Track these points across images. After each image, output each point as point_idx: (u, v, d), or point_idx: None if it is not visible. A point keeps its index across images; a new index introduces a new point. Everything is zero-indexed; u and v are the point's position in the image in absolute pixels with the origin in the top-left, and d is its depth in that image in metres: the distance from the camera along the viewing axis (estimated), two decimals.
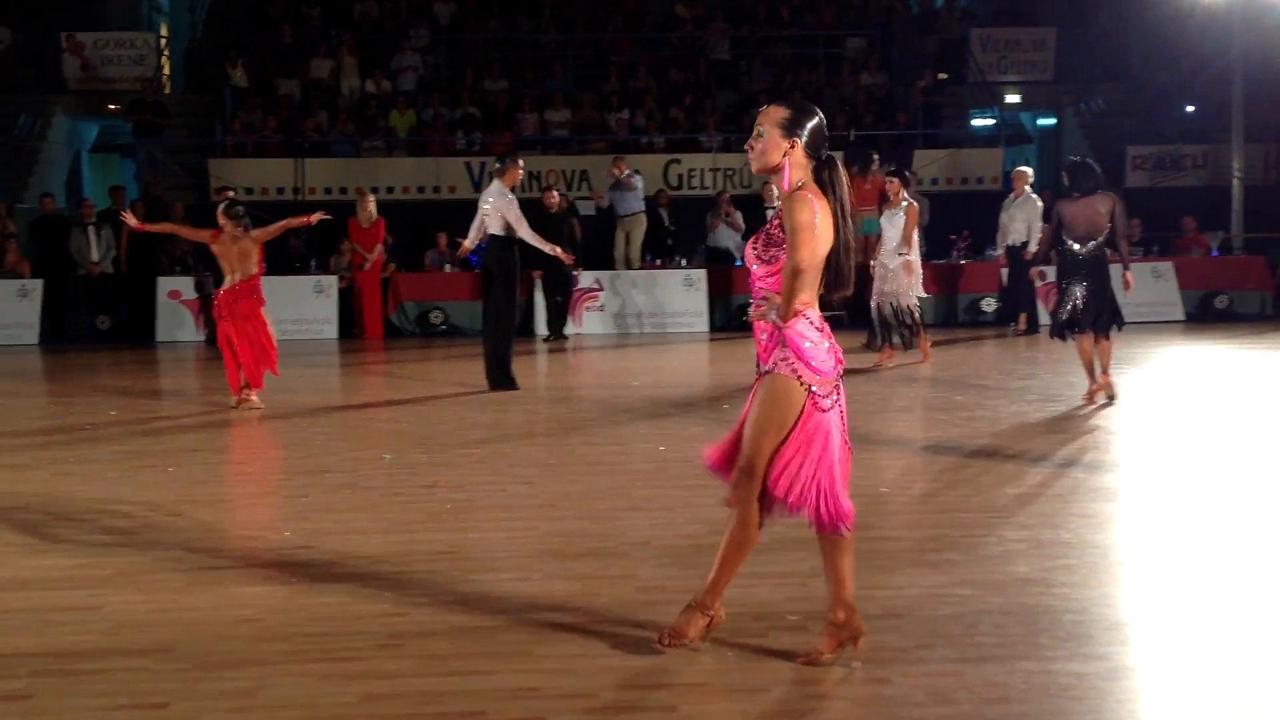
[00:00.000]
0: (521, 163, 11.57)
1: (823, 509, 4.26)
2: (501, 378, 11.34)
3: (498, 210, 11.00)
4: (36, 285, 17.67)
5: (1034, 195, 15.97)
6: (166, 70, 24.44)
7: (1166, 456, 8.05)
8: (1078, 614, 4.83)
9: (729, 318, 17.83)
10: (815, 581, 5.21)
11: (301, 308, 17.22)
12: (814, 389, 4.22)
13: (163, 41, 24.51)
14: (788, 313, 4.15)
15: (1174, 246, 18.56)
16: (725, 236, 18.67)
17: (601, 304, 17.78)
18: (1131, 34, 23.32)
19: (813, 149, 4.26)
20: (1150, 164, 20.92)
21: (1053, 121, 24.16)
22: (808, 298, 4.18)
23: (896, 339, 12.84)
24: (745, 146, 4.44)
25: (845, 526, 4.30)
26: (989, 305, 17.88)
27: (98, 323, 17.94)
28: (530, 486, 7.30)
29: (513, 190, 11.16)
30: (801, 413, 4.22)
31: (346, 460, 8.22)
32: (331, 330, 17.52)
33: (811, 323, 4.22)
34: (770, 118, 4.26)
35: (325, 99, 21.40)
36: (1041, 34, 23.17)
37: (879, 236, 18.49)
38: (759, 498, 4.31)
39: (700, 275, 17.95)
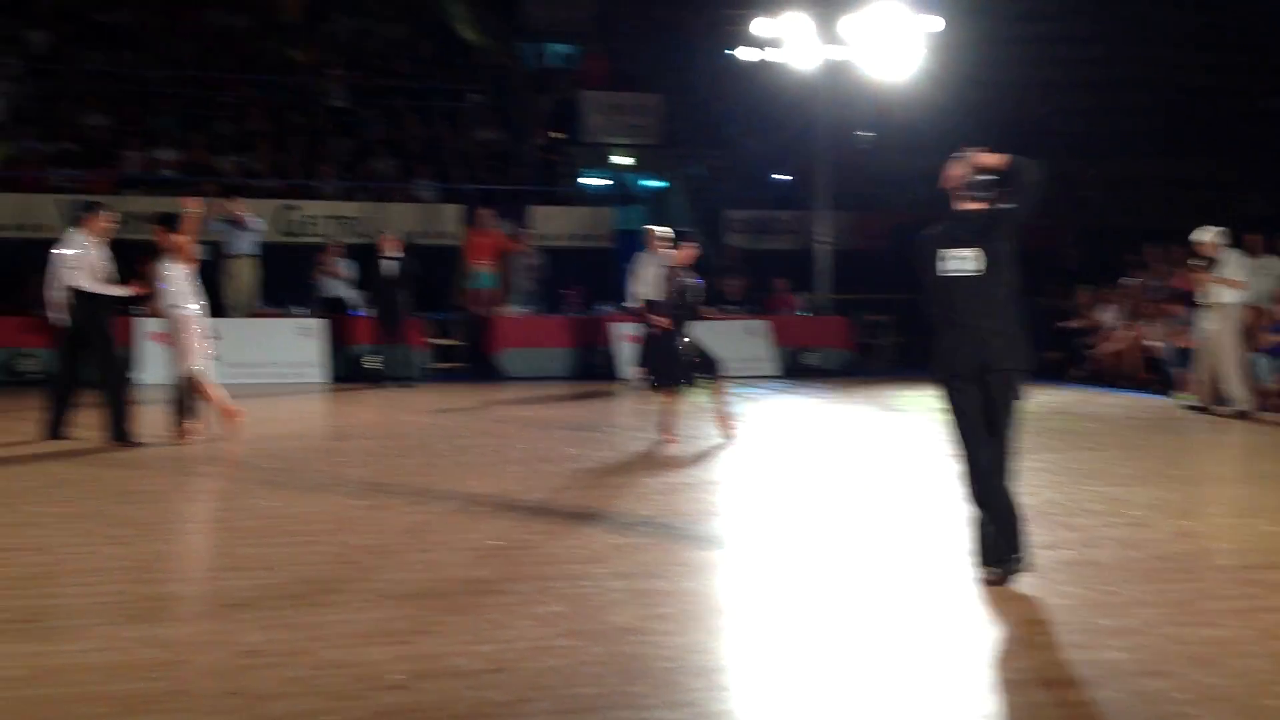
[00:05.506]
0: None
1: None
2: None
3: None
4: None
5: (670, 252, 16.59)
6: None
7: (767, 505, 8.57)
8: (669, 661, 5.07)
9: (350, 367, 17.49)
10: (422, 639, 5.25)
11: None
12: None
13: None
14: None
15: (767, 306, 19.80)
16: (331, 285, 18.39)
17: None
18: (730, 104, 24.80)
19: None
20: (747, 227, 22.28)
21: (660, 184, 25.36)
22: None
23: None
24: None
25: None
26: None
27: None
28: (125, 547, 6.95)
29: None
30: None
31: None
32: None
33: None
34: None
35: None
36: (648, 100, 24.22)
37: (494, 290, 18.85)
38: None
39: (316, 325, 17.51)
